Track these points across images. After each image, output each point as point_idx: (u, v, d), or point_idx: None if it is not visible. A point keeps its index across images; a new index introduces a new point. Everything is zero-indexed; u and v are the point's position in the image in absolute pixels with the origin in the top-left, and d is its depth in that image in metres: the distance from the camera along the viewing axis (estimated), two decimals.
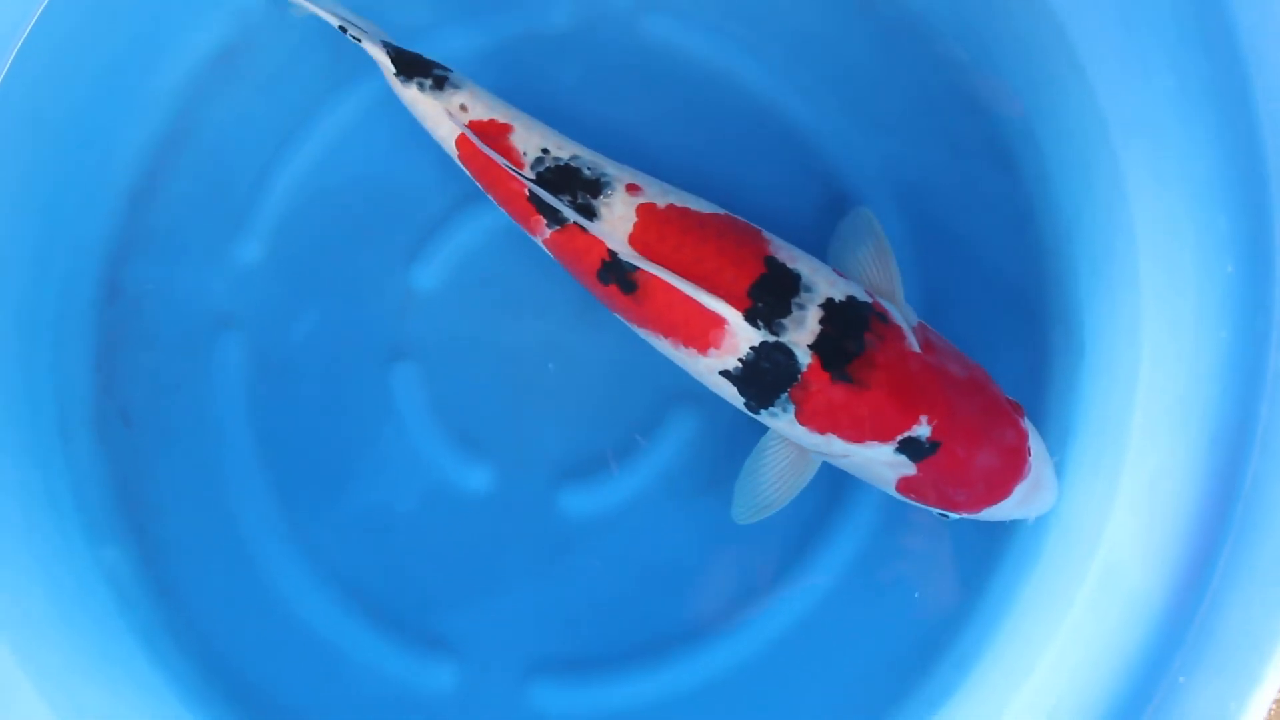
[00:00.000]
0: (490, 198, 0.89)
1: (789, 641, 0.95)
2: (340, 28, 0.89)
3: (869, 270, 0.86)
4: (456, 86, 0.87)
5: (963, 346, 0.90)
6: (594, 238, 0.82)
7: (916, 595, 0.94)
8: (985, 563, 0.91)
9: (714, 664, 0.96)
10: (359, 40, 0.88)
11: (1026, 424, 0.82)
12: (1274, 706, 1.03)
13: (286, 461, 0.99)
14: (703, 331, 0.80)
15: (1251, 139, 0.69)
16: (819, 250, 0.88)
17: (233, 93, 0.99)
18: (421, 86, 0.87)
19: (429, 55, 0.90)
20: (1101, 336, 0.87)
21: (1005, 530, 0.90)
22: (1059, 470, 0.88)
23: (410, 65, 0.87)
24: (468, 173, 0.88)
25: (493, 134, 0.86)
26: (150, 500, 0.98)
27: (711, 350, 0.81)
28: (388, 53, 0.87)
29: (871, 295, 0.83)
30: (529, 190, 0.83)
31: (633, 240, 0.82)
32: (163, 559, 0.97)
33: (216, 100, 0.99)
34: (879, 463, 0.81)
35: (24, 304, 0.94)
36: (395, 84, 0.88)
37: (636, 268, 0.80)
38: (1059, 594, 0.84)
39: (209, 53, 0.99)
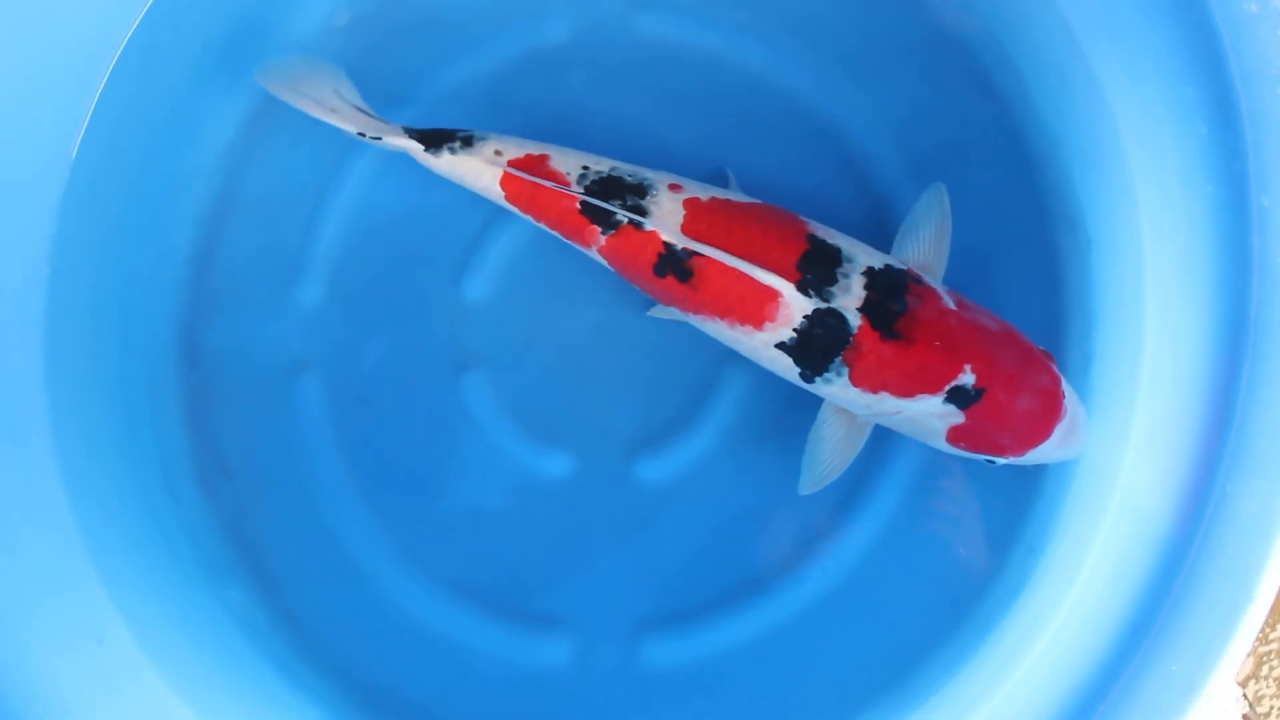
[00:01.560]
0: (541, 224, 0.94)
1: (859, 573, 1.01)
2: (359, 134, 0.94)
3: (925, 244, 0.92)
4: (484, 139, 0.93)
5: (979, 263, 0.97)
6: (647, 236, 0.88)
7: (967, 527, 1.00)
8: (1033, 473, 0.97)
9: (792, 602, 1.01)
10: (379, 140, 0.93)
11: (1058, 370, 0.88)
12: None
13: (379, 481, 1.04)
14: (758, 307, 0.86)
15: (1203, 12, 0.76)
16: (847, 216, 0.96)
17: (268, 153, 1.05)
18: (453, 150, 0.92)
19: (441, 86, 0.99)
20: (1104, 225, 0.92)
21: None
22: (1089, 362, 0.95)
23: (435, 137, 0.93)
24: (516, 210, 0.93)
25: (532, 165, 0.91)
26: (261, 540, 1.03)
27: (767, 324, 0.86)
28: (412, 136, 0.93)
29: (904, 264, 0.89)
30: (580, 204, 0.89)
31: (685, 230, 0.87)
32: (282, 591, 1.02)
33: (255, 162, 1.04)
34: (930, 415, 0.86)
35: (118, 380, 0.99)
36: (429, 160, 0.93)
37: (691, 257, 0.86)
38: (1101, 485, 0.90)
39: (240, 120, 1.04)
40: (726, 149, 1.04)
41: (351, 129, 0.94)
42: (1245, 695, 1.13)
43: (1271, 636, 1.16)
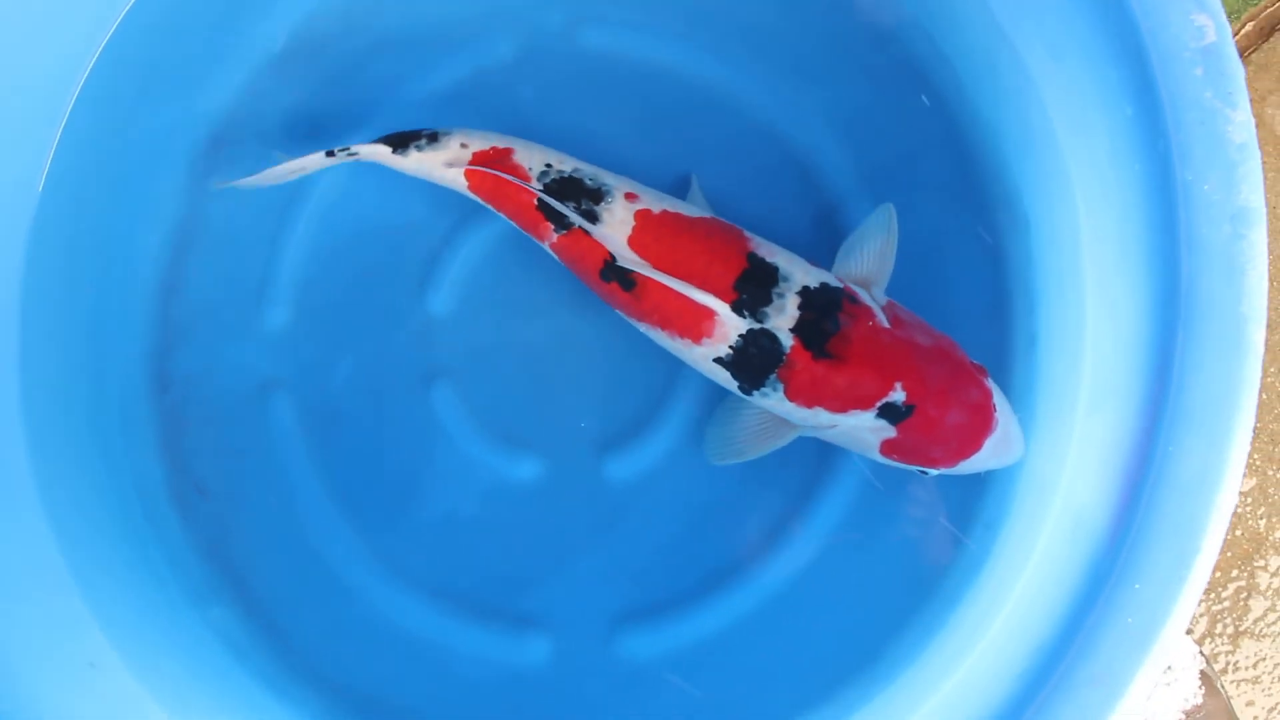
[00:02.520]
0: (500, 215, 0.95)
1: (825, 558, 1.04)
2: (328, 153, 0.94)
3: (867, 261, 0.94)
4: (449, 133, 0.94)
5: (925, 250, 0.99)
6: (597, 241, 0.90)
7: (927, 507, 1.03)
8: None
9: (762, 588, 1.04)
10: (349, 150, 0.94)
11: (990, 383, 0.90)
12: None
13: (355, 495, 1.05)
14: (696, 323, 0.88)
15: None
16: (794, 214, 1.00)
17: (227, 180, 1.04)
18: (419, 148, 0.93)
19: (393, 111, 1.00)
20: (1041, 207, 0.95)
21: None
22: (1034, 340, 0.97)
23: (401, 140, 0.94)
24: (479, 199, 0.95)
25: (496, 159, 0.93)
26: (240, 558, 1.04)
27: (705, 340, 0.89)
28: (377, 142, 0.94)
29: (842, 281, 0.91)
30: (538, 200, 0.91)
31: (631, 242, 0.89)
32: (264, 607, 1.03)
33: (216, 192, 1.05)
34: (863, 429, 0.89)
35: (91, 407, 1.00)
36: (397, 161, 0.94)
37: (633, 269, 0.89)
38: (1053, 455, 0.93)
39: (196, 150, 1.05)
40: (676, 155, 1.06)
41: (319, 153, 0.95)
42: (1202, 652, 1.17)
43: (1224, 595, 1.20)
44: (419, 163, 0.94)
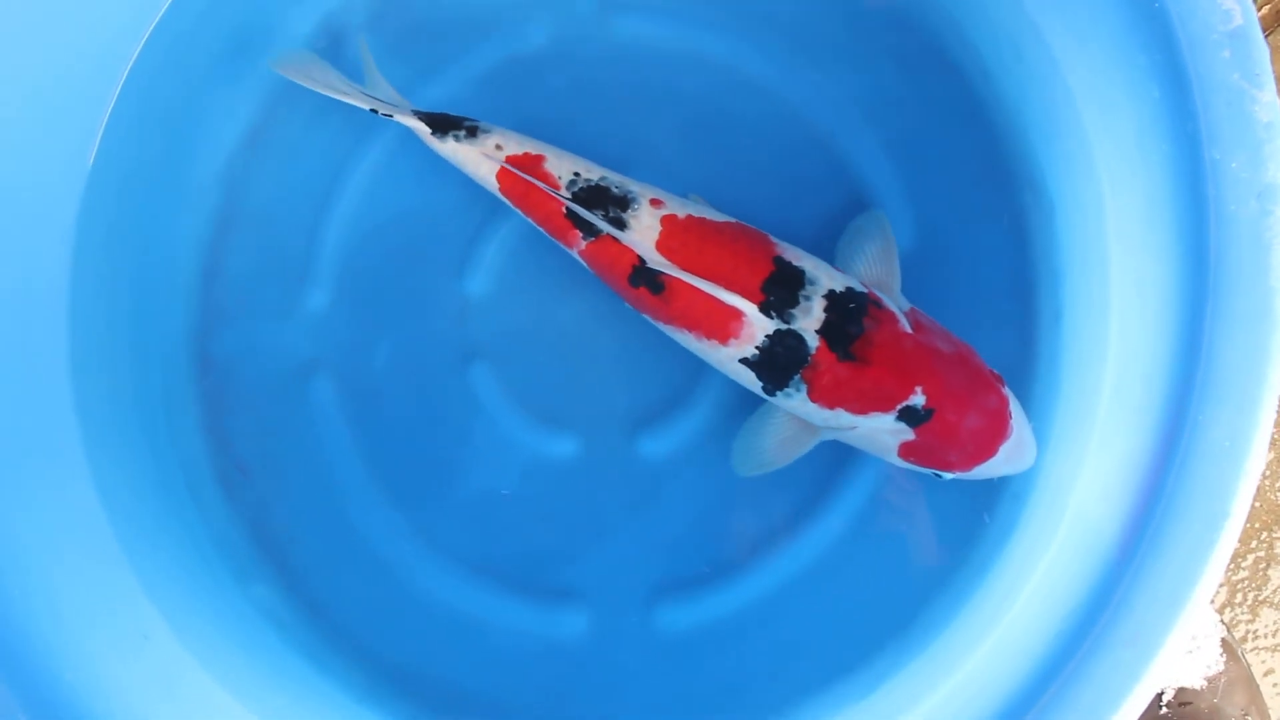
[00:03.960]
0: (530, 220, 0.98)
1: (859, 528, 1.06)
2: (372, 110, 0.97)
3: (873, 264, 0.95)
4: (487, 131, 0.96)
5: (950, 229, 1.02)
6: (624, 247, 0.92)
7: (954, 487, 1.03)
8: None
9: (796, 558, 1.06)
10: (390, 116, 0.97)
11: (1007, 391, 0.91)
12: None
13: (395, 474, 1.07)
14: (723, 324, 0.90)
15: None
16: (822, 198, 1.01)
17: (268, 166, 1.08)
18: (458, 138, 0.96)
19: (429, 96, 1.01)
20: (1065, 187, 0.97)
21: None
22: (1059, 316, 0.99)
23: (443, 123, 0.97)
24: (509, 202, 0.97)
25: (528, 165, 0.95)
26: (283, 536, 1.06)
27: (732, 340, 0.90)
28: (420, 119, 0.97)
29: (866, 286, 0.92)
30: (566, 208, 0.93)
31: (659, 247, 0.91)
32: (306, 585, 1.05)
33: (255, 176, 1.07)
34: (882, 431, 0.90)
35: (135, 390, 1.02)
36: (434, 143, 0.97)
37: (663, 271, 0.91)
38: (1081, 426, 0.94)
39: (239, 137, 1.07)
40: (705, 140, 1.08)
41: (365, 106, 0.98)
42: (1223, 621, 1.20)
43: (1243, 565, 1.23)
44: (454, 152, 0.97)
